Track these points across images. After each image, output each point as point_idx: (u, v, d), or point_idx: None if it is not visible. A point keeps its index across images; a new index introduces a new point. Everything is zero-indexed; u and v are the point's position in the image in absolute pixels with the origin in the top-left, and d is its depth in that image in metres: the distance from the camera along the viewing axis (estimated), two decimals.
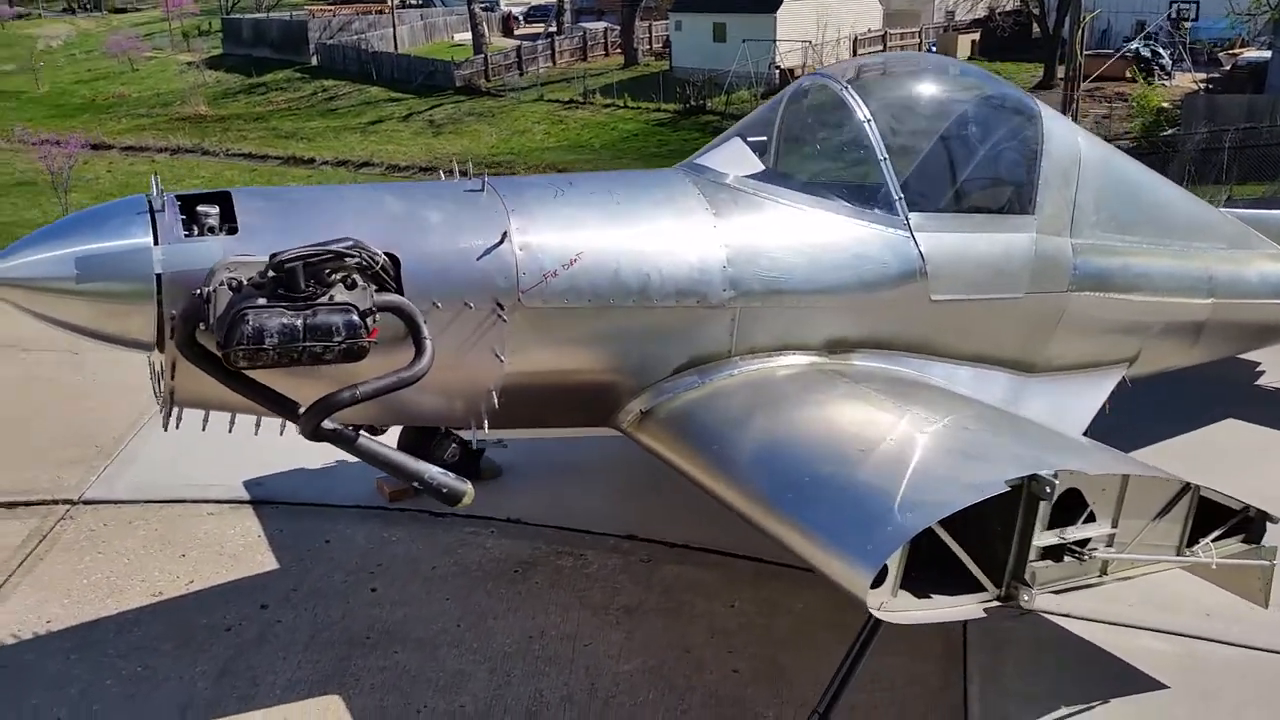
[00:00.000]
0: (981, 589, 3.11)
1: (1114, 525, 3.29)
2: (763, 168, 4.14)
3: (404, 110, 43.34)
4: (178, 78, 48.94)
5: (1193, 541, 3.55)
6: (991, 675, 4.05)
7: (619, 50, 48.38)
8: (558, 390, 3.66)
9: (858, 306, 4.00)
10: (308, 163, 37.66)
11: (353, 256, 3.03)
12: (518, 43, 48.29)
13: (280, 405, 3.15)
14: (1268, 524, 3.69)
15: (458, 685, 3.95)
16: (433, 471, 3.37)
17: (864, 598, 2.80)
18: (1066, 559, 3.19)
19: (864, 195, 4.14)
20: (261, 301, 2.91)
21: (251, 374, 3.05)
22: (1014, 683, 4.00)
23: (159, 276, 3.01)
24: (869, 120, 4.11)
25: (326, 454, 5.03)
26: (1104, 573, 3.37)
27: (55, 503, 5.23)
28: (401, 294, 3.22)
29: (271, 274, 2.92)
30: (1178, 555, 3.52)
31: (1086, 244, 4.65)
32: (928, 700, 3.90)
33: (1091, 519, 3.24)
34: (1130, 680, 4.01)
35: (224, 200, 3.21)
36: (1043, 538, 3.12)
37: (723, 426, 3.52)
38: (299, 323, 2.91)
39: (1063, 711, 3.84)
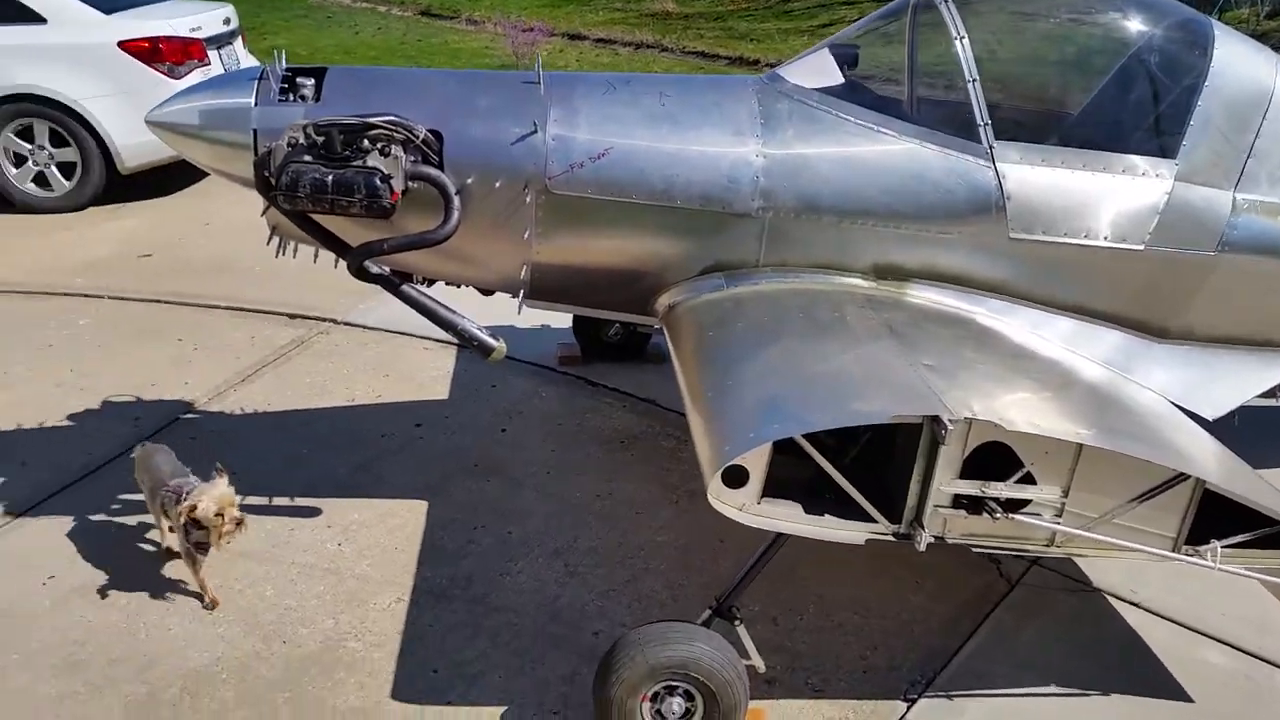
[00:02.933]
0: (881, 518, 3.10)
1: (1064, 494, 3.07)
2: (841, 80, 4.06)
3: (856, 14, 42.65)
4: None
5: (1204, 540, 3.19)
6: (1004, 634, 3.90)
7: None
8: (587, 273, 4.00)
9: (914, 234, 3.87)
10: (752, 64, 38.69)
11: (385, 129, 3.60)
12: None
13: (335, 245, 3.86)
14: None
15: (517, 518, 4.56)
16: (465, 323, 3.93)
17: (708, 490, 2.96)
18: (988, 515, 3.05)
19: (942, 117, 3.93)
20: (307, 158, 3.59)
21: (316, 217, 3.77)
22: (1021, 648, 3.83)
23: (254, 131, 3.80)
24: (961, 37, 3.85)
25: (534, 319, 5.78)
26: (1052, 543, 3.16)
27: (322, 320, 6.49)
28: (441, 167, 3.74)
29: (318, 137, 3.58)
30: (1172, 550, 3.18)
31: (1262, 201, 4.01)
32: (915, 637, 3.87)
33: (1030, 480, 3.05)
34: (1156, 685, 3.68)
35: (323, 75, 3.92)
36: (952, 485, 3.02)
37: (715, 329, 3.66)
38: (328, 178, 3.55)
39: (1050, 689, 3.64)
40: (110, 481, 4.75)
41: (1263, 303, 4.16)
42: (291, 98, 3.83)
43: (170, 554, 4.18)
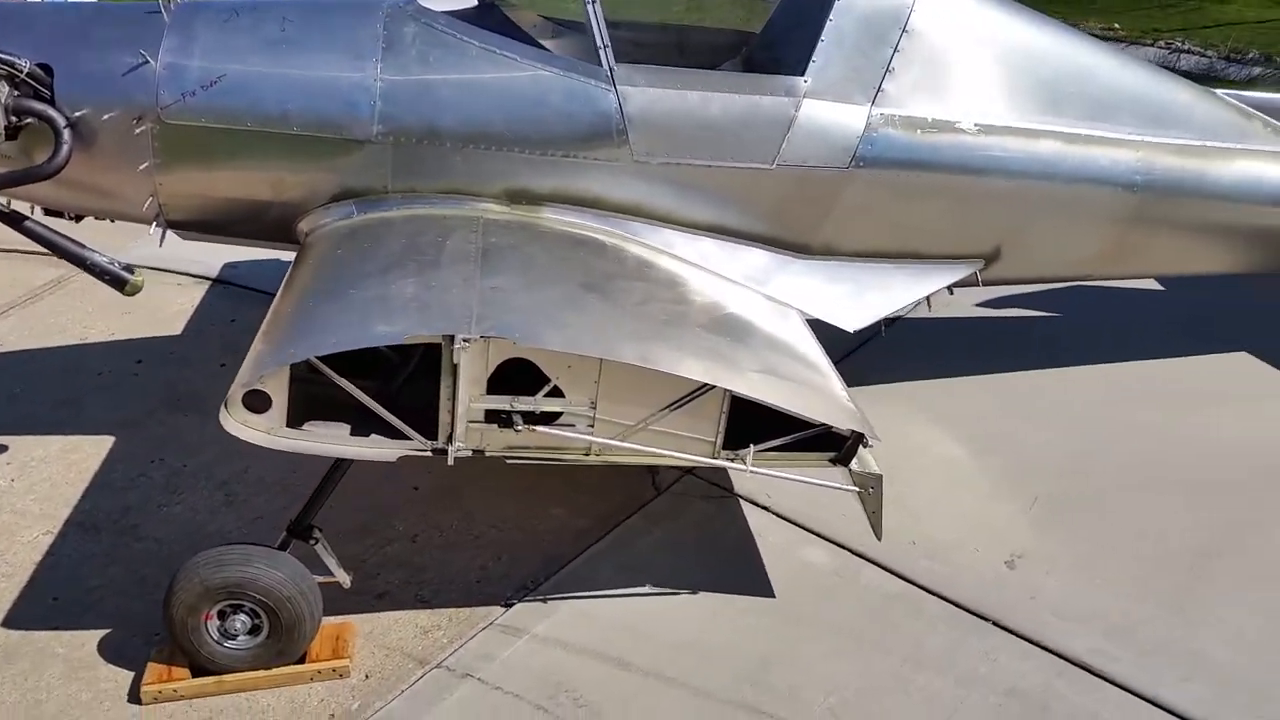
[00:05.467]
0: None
1: (592, 406, 3.16)
2: (475, 3, 4.06)
3: None
4: None
5: (743, 445, 3.31)
6: (627, 541, 4.05)
7: None
8: (217, 203, 4.00)
9: (541, 159, 3.88)
10: None
11: None
12: None
13: None
14: (862, 446, 3.33)
15: (197, 450, 4.61)
16: (95, 257, 3.96)
17: (221, 418, 3.05)
18: (524, 429, 3.14)
19: (566, 41, 3.95)
20: None
21: None
22: (636, 553, 3.98)
23: None
24: None
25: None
26: (589, 453, 3.27)
27: None
28: (53, 101, 3.74)
29: None
30: (712, 455, 3.30)
31: (900, 116, 4.06)
32: (543, 547, 4.01)
33: (559, 394, 3.15)
34: (746, 582, 3.84)
35: None
36: (482, 400, 3.11)
37: (316, 258, 3.70)
38: None
39: (644, 589, 3.78)
40: None
41: (904, 217, 4.22)
42: None
43: None
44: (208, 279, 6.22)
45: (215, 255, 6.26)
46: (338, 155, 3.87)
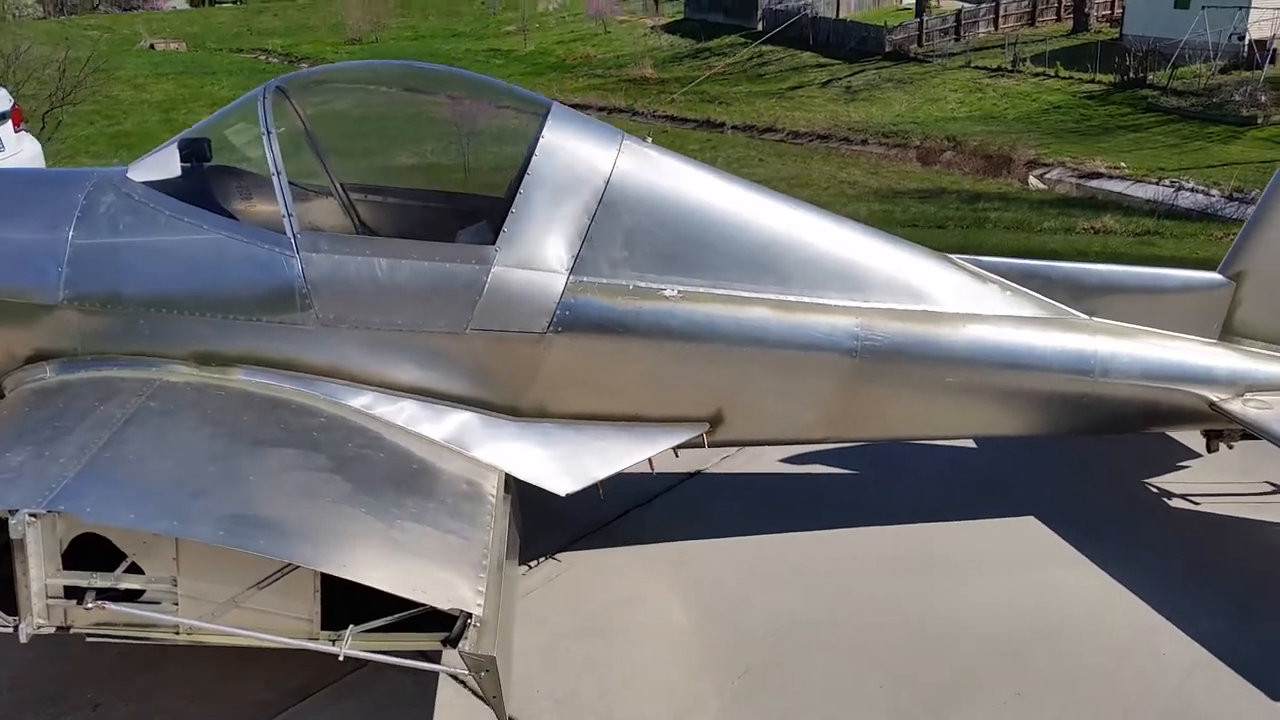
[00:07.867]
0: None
1: (174, 583, 3.12)
2: (178, 173, 4.21)
3: (825, 76, 43.65)
4: (641, 41, 52.91)
5: (345, 625, 3.21)
6: (296, 717, 3.89)
7: (1071, 14, 45.05)
8: None
9: (225, 323, 3.96)
10: (717, 127, 39.40)
11: None
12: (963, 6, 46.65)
13: None
14: (472, 626, 3.22)
15: None
16: None
17: None
18: (96, 606, 3.10)
19: (251, 210, 4.05)
20: None
21: None
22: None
23: None
24: (268, 132, 3.99)
25: None
26: (179, 632, 3.19)
27: None
28: None
29: None
30: (310, 637, 3.20)
31: (601, 283, 4.08)
32: (211, 715, 3.90)
33: (138, 570, 3.11)
34: None
35: None
36: (59, 576, 3.08)
37: (7, 415, 3.78)
38: None
39: None
40: None
41: (612, 380, 4.19)
42: None
43: None
44: None
45: None
46: (29, 319, 3.98)
